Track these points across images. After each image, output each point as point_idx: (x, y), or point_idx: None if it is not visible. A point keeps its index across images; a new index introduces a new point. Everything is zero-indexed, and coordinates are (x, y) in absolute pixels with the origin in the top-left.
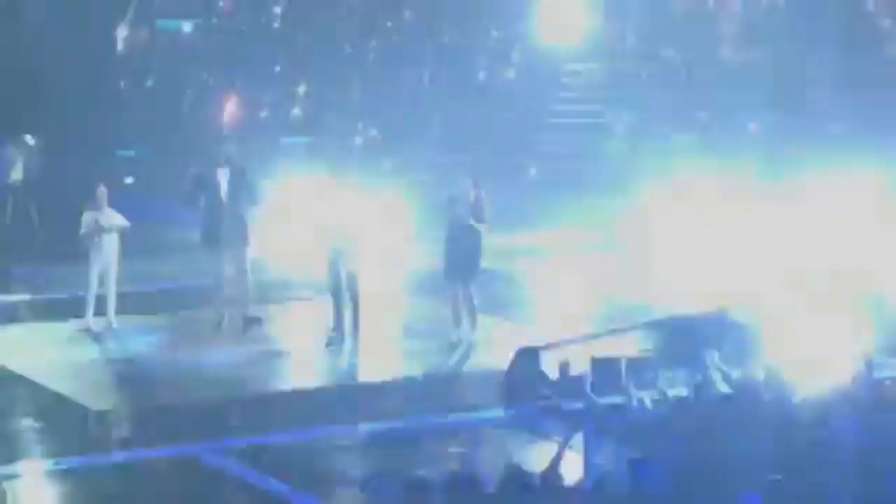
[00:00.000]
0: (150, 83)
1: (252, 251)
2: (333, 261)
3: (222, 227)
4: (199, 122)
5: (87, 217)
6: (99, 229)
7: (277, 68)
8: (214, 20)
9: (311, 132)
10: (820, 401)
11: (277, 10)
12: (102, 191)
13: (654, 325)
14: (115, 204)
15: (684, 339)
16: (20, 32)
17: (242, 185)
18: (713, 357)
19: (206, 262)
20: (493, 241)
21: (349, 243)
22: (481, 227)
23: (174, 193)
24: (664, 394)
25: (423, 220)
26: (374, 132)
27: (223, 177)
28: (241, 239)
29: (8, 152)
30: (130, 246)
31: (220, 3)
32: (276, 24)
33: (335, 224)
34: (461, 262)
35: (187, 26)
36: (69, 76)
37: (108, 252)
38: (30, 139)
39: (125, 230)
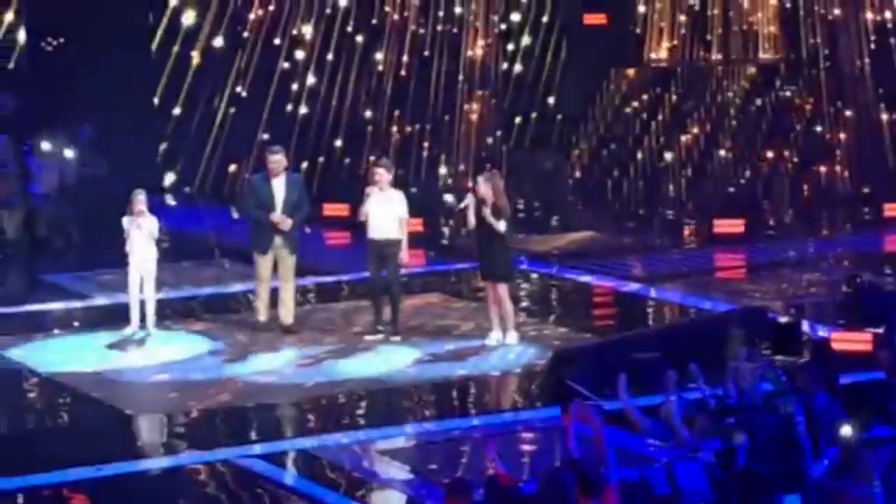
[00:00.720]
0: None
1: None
2: (375, 257)
3: (275, 235)
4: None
5: (124, 223)
6: (133, 235)
7: None
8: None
9: None
10: None
11: None
12: (139, 196)
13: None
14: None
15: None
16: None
17: (295, 194)
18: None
19: (253, 269)
20: None
21: (392, 239)
22: (500, 226)
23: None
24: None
25: None
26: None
27: (279, 185)
28: (291, 247)
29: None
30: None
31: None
32: None
33: (378, 219)
34: (489, 262)
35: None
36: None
37: (144, 259)
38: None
39: (159, 237)
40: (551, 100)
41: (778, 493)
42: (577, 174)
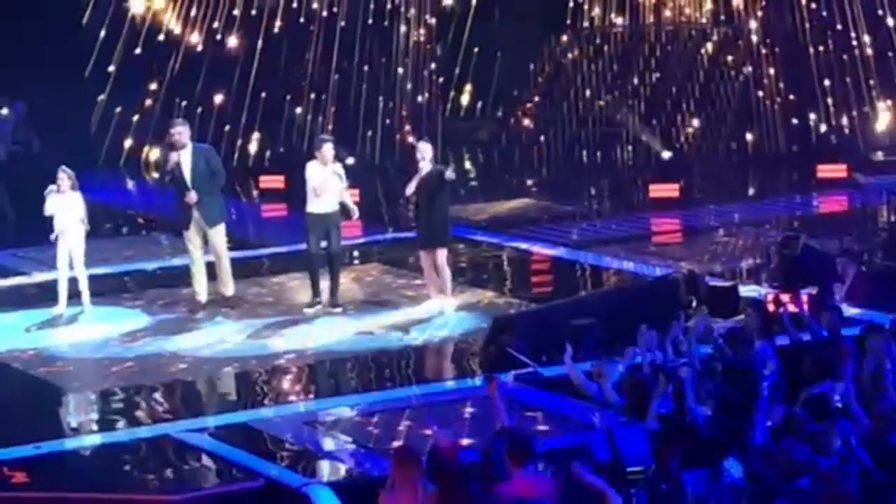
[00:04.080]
0: None
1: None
2: (316, 230)
3: (199, 207)
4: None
5: (48, 201)
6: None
7: None
8: None
9: None
10: None
11: None
12: (63, 174)
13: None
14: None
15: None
16: None
17: (202, 164)
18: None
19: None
20: None
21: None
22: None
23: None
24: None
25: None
26: None
27: (185, 157)
28: (210, 218)
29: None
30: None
31: None
32: None
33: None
34: (428, 228)
35: None
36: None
37: (71, 236)
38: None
39: (82, 217)
40: (485, 69)
41: (718, 455)
42: (514, 142)
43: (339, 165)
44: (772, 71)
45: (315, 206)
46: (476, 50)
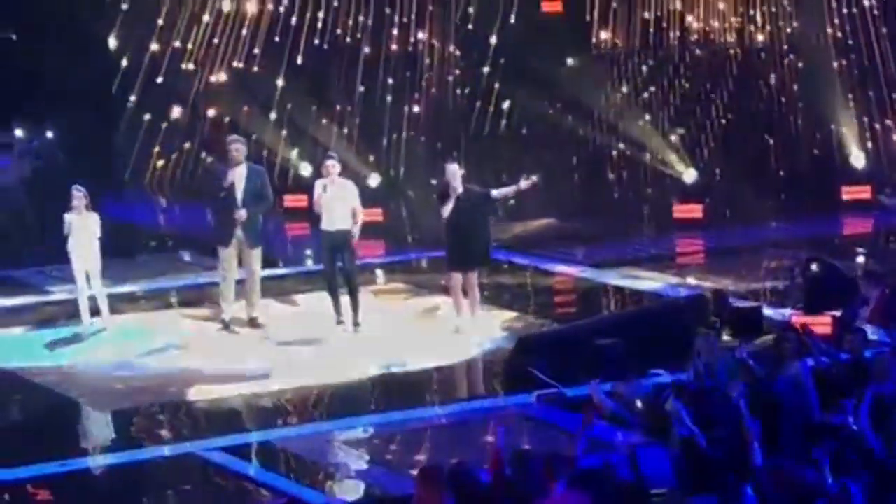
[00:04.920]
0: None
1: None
2: (329, 249)
3: (244, 227)
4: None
5: (66, 220)
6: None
7: None
8: None
9: None
10: None
11: None
12: (77, 193)
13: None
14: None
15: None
16: None
17: (256, 185)
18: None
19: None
20: None
21: (345, 230)
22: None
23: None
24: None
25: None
26: None
27: (240, 175)
28: (253, 239)
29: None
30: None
31: None
32: None
33: (330, 211)
34: (469, 248)
35: None
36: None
37: (87, 255)
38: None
39: (97, 235)
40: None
41: (731, 479)
42: (537, 162)
43: (349, 183)
44: (796, 88)
45: (324, 223)
46: (499, 67)
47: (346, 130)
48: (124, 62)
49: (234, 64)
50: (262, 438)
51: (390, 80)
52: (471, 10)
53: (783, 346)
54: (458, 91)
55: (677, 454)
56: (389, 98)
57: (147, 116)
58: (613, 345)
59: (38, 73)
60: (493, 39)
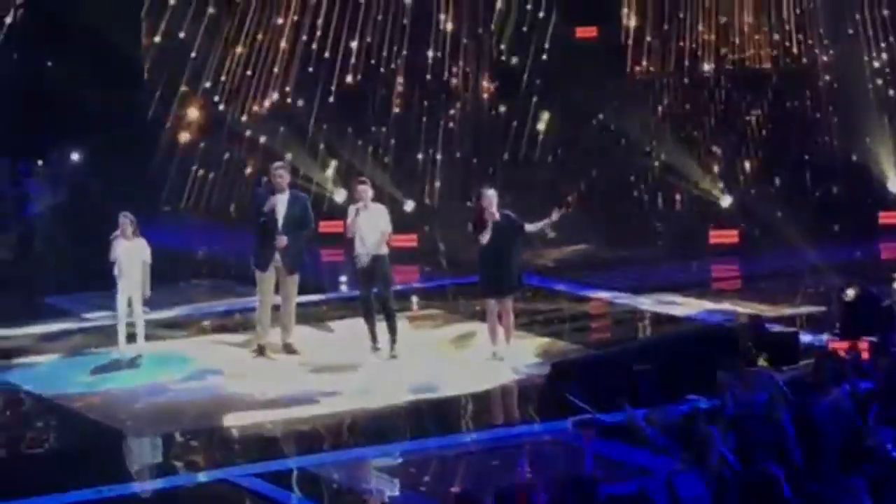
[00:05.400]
0: None
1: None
2: (364, 274)
3: (275, 252)
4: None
5: (113, 246)
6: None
7: None
8: None
9: None
10: None
11: None
12: (124, 219)
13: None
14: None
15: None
16: None
17: (298, 211)
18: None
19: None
20: None
21: (379, 255)
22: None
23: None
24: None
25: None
26: None
27: (282, 201)
28: (292, 265)
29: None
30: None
31: None
32: None
33: (364, 236)
34: (503, 275)
35: None
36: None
37: (132, 281)
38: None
39: (146, 261)
40: (545, 114)
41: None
42: (572, 187)
43: (381, 207)
44: (832, 111)
45: (357, 248)
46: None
47: (381, 155)
48: (159, 89)
49: (270, 92)
50: (297, 465)
51: (425, 105)
52: (505, 36)
53: (822, 372)
54: (494, 116)
55: (714, 480)
56: (424, 121)
57: (183, 141)
58: (649, 370)
59: (71, 100)
60: (528, 65)
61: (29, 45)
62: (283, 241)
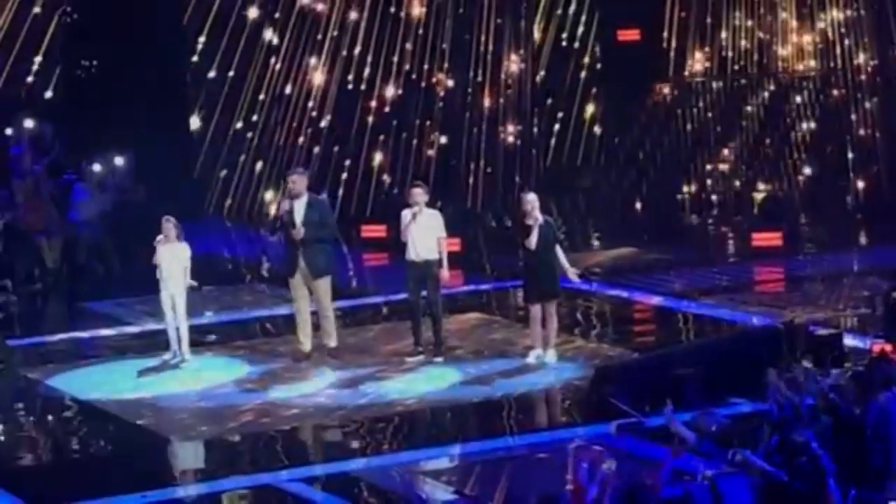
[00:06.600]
0: None
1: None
2: (414, 278)
3: (299, 257)
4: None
5: (157, 249)
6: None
7: None
8: None
9: None
10: None
11: None
12: (167, 224)
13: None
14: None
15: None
16: None
17: (316, 215)
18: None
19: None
20: None
21: (431, 260)
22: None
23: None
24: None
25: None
26: None
27: (299, 205)
28: (315, 268)
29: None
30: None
31: None
32: None
33: (416, 240)
34: (546, 280)
35: None
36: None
37: (174, 285)
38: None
39: (186, 266)
40: (588, 116)
41: None
42: (617, 190)
43: (435, 212)
44: (877, 113)
45: (409, 253)
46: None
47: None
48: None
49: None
50: (340, 469)
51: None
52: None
53: (869, 376)
54: (536, 119)
55: (759, 484)
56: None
57: (226, 149)
58: (692, 374)
59: (117, 105)
60: (571, 68)
61: (75, 49)
62: (300, 231)
